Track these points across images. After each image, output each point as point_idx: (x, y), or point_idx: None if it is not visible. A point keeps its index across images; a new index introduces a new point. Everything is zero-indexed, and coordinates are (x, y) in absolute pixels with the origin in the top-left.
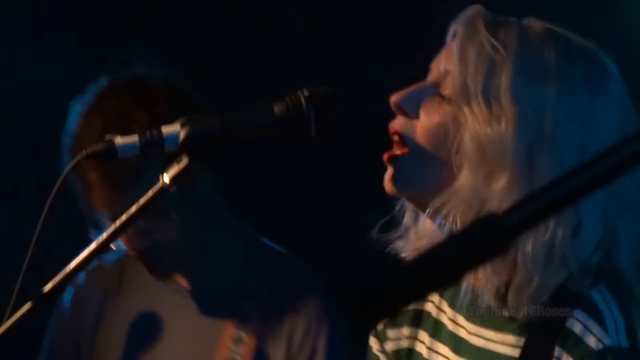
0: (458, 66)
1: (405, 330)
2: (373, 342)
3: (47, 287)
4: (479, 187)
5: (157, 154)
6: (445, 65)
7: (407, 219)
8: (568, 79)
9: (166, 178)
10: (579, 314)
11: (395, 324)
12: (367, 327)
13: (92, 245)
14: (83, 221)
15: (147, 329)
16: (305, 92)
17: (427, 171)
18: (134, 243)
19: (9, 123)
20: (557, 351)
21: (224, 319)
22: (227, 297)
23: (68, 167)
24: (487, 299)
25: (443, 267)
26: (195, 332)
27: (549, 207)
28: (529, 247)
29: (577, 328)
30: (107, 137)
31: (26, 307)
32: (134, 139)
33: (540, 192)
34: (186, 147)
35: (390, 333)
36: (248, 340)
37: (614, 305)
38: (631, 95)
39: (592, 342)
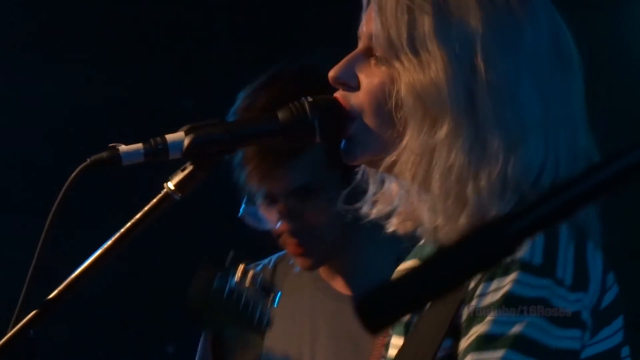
0: (379, 24)
1: None
2: None
3: (52, 295)
4: (425, 139)
5: (161, 161)
6: (369, 27)
7: (372, 184)
8: (489, 9)
9: (171, 185)
10: None
11: None
12: (373, 331)
13: (97, 252)
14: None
15: (296, 333)
16: (309, 99)
17: (377, 134)
18: (286, 221)
19: None
20: None
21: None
22: None
23: (72, 176)
24: (447, 230)
25: (447, 274)
26: (347, 337)
27: (553, 214)
28: (483, 181)
29: None
30: (112, 145)
31: (31, 315)
32: (138, 146)
33: (543, 198)
34: (190, 154)
35: None
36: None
37: None
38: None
39: None
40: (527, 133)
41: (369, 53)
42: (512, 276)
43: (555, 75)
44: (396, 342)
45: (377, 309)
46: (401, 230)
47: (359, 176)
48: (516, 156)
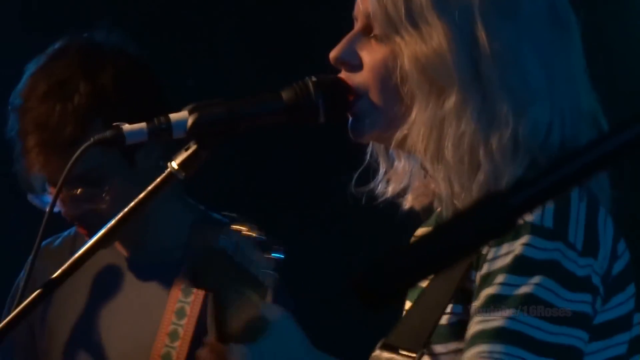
0: (375, 1)
1: None
2: None
3: (54, 275)
4: (433, 111)
5: (165, 140)
6: (365, 5)
7: (382, 163)
8: None
9: (174, 164)
10: None
11: None
12: (372, 308)
13: (102, 231)
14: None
15: (93, 303)
16: (314, 78)
17: (384, 110)
18: (68, 209)
19: None
20: None
21: (168, 292)
22: (173, 269)
23: (75, 156)
24: (463, 197)
25: (447, 248)
26: (140, 305)
27: (554, 187)
28: (494, 145)
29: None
30: (115, 124)
31: (36, 293)
32: (141, 125)
33: (544, 171)
34: (194, 133)
35: None
36: (190, 312)
37: None
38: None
39: None
40: (533, 96)
41: (368, 31)
42: (522, 239)
43: (554, 38)
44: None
45: (374, 287)
46: (417, 206)
47: (367, 156)
48: (526, 118)
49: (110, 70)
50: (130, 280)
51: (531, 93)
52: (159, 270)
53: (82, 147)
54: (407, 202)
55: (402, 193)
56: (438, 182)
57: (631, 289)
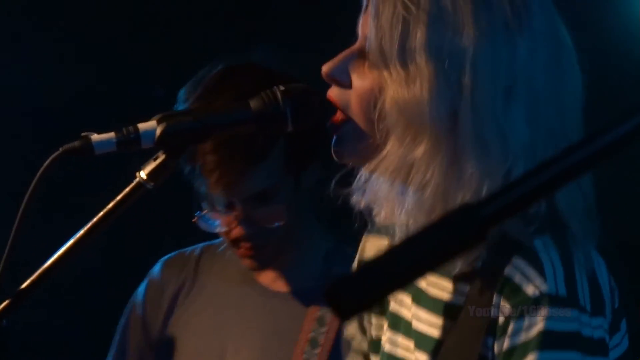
0: (373, 30)
1: None
2: None
3: (25, 285)
4: (403, 153)
5: (133, 149)
6: (364, 29)
7: (363, 172)
8: (485, 27)
9: (143, 174)
10: (518, 262)
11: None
12: (344, 318)
13: (70, 242)
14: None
15: (222, 325)
16: (282, 87)
17: (363, 138)
18: (240, 229)
19: None
20: (495, 298)
21: (302, 321)
22: (306, 298)
23: (44, 165)
24: None
25: (418, 259)
26: (273, 332)
27: (525, 198)
28: (455, 203)
29: (516, 276)
30: (84, 134)
31: (4, 304)
32: (110, 135)
33: (515, 182)
34: (163, 143)
35: None
36: (323, 342)
37: (555, 255)
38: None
39: (529, 289)
40: (510, 157)
41: (363, 54)
42: (543, 312)
43: (549, 98)
44: (420, 356)
45: (346, 296)
46: (385, 218)
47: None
48: (493, 181)
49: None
50: (265, 304)
51: (508, 153)
52: (294, 298)
53: (51, 157)
54: (377, 215)
55: (374, 204)
56: (400, 213)
57: (624, 325)
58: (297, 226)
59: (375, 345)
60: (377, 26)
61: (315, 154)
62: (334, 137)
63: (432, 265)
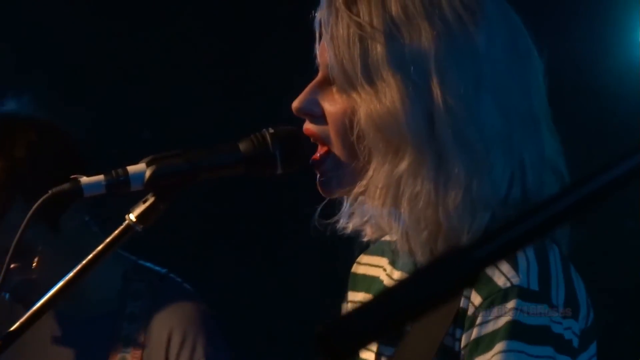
0: (332, 55)
1: (359, 296)
2: (343, 307)
3: (14, 327)
4: (389, 170)
5: (123, 193)
6: (323, 57)
7: (346, 198)
8: (440, 25)
9: (132, 216)
10: None
11: (354, 288)
12: None
13: (59, 284)
14: None
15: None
16: (271, 130)
17: (347, 167)
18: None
19: None
20: (466, 291)
21: (108, 343)
22: (109, 320)
23: (34, 207)
24: (420, 255)
25: (411, 302)
26: (82, 358)
27: (518, 239)
28: (450, 205)
29: (489, 268)
30: (73, 176)
31: None
32: (99, 178)
33: (509, 223)
34: (152, 185)
35: (350, 295)
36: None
37: (530, 252)
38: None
39: (500, 280)
40: (491, 149)
41: (329, 81)
42: (511, 303)
43: (514, 79)
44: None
45: (338, 339)
46: (375, 238)
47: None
48: (481, 176)
49: (23, 143)
50: (65, 335)
51: (489, 146)
52: (95, 322)
53: (41, 200)
54: (367, 234)
55: (362, 226)
56: (395, 234)
57: (593, 348)
58: (68, 266)
59: None
60: (335, 50)
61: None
62: (318, 174)
63: (425, 307)
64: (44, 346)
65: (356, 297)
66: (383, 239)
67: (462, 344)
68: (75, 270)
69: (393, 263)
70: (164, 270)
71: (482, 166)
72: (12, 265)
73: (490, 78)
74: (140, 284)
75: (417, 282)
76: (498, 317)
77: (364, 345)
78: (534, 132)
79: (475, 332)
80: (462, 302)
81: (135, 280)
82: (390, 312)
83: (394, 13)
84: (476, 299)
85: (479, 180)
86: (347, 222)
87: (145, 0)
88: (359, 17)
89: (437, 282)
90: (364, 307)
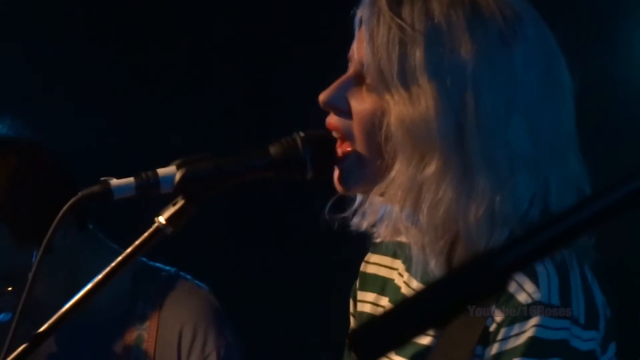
0: (370, 54)
1: (370, 296)
2: (351, 304)
3: (42, 329)
4: (412, 173)
5: (152, 194)
6: (360, 54)
7: (359, 196)
8: (481, 41)
9: (162, 219)
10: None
11: (363, 287)
12: None
13: (88, 286)
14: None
15: None
16: (301, 134)
17: (369, 165)
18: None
19: None
20: (491, 309)
21: (121, 346)
22: (121, 323)
23: (64, 209)
24: (434, 264)
25: (439, 306)
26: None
27: (544, 247)
28: (471, 217)
29: (511, 285)
30: (103, 178)
31: (22, 348)
32: (129, 180)
33: (534, 230)
34: (182, 188)
35: (360, 295)
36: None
37: (550, 266)
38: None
39: (522, 297)
40: (516, 168)
41: (360, 79)
42: (534, 320)
43: (546, 104)
44: None
45: (369, 342)
46: (389, 239)
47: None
48: (504, 193)
49: (4, 171)
50: (76, 341)
51: (514, 165)
52: (106, 325)
53: (70, 202)
54: (380, 235)
55: (375, 224)
56: (411, 238)
57: (612, 349)
58: (72, 280)
59: None
60: (373, 50)
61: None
62: (338, 172)
63: (452, 312)
64: (53, 356)
65: (366, 297)
66: (395, 239)
67: (485, 358)
68: (104, 273)
69: (409, 269)
70: (173, 269)
71: (506, 184)
72: (8, 289)
73: (524, 101)
74: (149, 284)
75: (442, 287)
76: (519, 333)
77: (394, 348)
78: (561, 157)
79: (496, 348)
80: (487, 321)
81: (145, 281)
82: (418, 316)
83: (436, 21)
84: (498, 316)
85: (501, 197)
86: (360, 220)
87: (174, 5)
88: (402, 19)
89: (466, 287)
90: (394, 310)
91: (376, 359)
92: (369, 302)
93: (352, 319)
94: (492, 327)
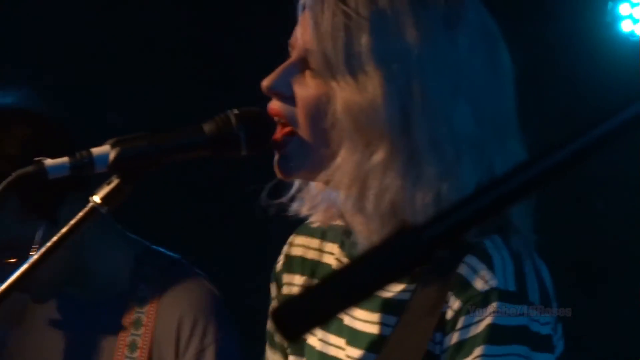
0: (315, 40)
1: (299, 279)
2: (272, 288)
3: None
4: (359, 160)
5: (87, 173)
6: (304, 39)
7: (297, 182)
8: (426, 25)
9: (97, 198)
10: (469, 259)
11: (290, 270)
12: (290, 339)
13: (24, 267)
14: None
15: (44, 341)
16: (235, 111)
17: (311, 151)
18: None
19: None
20: (447, 296)
21: (118, 326)
22: (120, 303)
23: (0, 189)
24: None
25: (363, 281)
26: (91, 340)
27: (470, 219)
28: (417, 204)
29: (466, 272)
30: (37, 158)
31: None
32: (63, 160)
33: (461, 203)
34: (116, 167)
35: (285, 278)
36: (142, 344)
37: (505, 251)
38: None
39: (478, 284)
40: (462, 154)
41: (304, 65)
42: (492, 307)
43: (489, 87)
44: (353, 353)
45: (293, 317)
46: (326, 223)
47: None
48: (450, 179)
49: (16, 139)
50: (74, 319)
51: (460, 149)
52: (105, 304)
53: (5, 182)
54: (316, 219)
55: (313, 210)
56: (356, 225)
57: (560, 328)
58: (73, 254)
59: (299, 347)
60: (318, 36)
61: (64, 190)
62: (277, 156)
63: (377, 286)
64: (50, 331)
65: (294, 279)
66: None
67: (443, 347)
68: (41, 252)
69: (350, 255)
70: (176, 256)
71: (452, 170)
72: (11, 260)
73: (468, 85)
74: (151, 267)
75: (370, 260)
76: (479, 321)
77: (319, 323)
78: (505, 141)
79: (456, 337)
80: (443, 307)
81: (147, 264)
82: (343, 290)
83: (381, 6)
84: (455, 303)
85: (448, 183)
86: (299, 206)
87: None
88: (346, 5)
89: (390, 261)
90: (319, 285)
91: (301, 335)
92: (298, 285)
93: (275, 303)
94: (449, 315)
